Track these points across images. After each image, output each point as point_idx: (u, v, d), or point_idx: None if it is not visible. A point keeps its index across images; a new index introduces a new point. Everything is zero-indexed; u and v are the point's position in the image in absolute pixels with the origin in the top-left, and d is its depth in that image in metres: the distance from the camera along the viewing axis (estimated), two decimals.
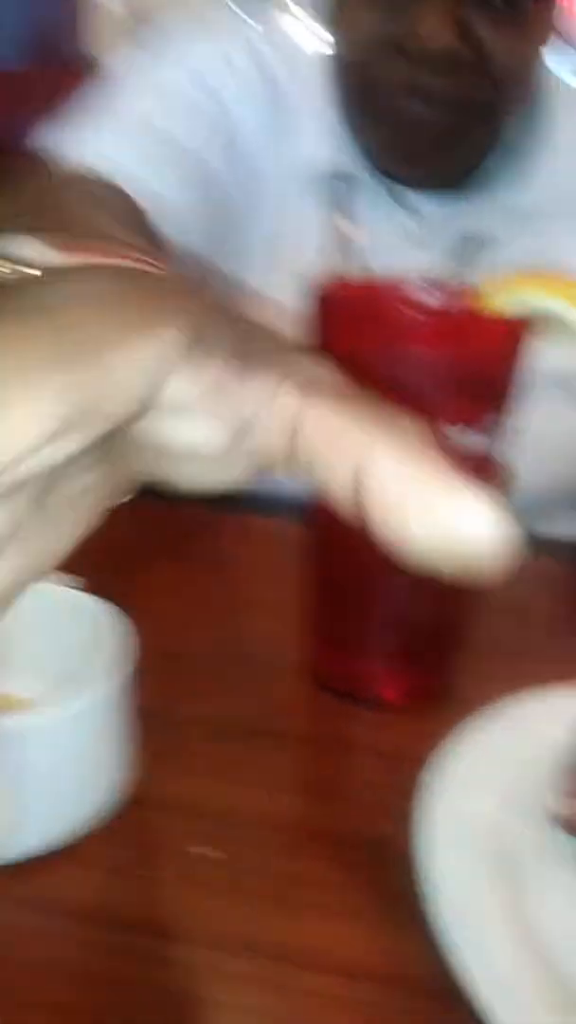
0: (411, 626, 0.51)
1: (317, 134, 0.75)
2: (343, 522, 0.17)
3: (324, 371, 0.18)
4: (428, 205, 0.75)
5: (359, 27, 0.67)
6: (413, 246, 0.74)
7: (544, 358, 0.44)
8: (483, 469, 0.47)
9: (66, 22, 2.70)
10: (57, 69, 1.65)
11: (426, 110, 0.67)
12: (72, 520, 0.19)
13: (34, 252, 0.20)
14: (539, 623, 0.60)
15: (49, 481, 0.17)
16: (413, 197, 0.74)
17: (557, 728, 0.45)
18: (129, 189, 0.64)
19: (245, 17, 0.85)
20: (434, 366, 0.44)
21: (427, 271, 0.49)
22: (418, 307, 0.46)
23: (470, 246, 0.76)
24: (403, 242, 0.74)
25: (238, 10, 0.94)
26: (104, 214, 0.56)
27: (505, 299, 0.42)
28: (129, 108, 0.73)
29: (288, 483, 0.19)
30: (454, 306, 0.46)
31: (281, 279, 0.52)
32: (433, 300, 0.46)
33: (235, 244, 0.76)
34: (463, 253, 0.76)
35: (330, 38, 0.72)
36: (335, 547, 0.48)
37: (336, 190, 0.73)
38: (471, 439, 0.45)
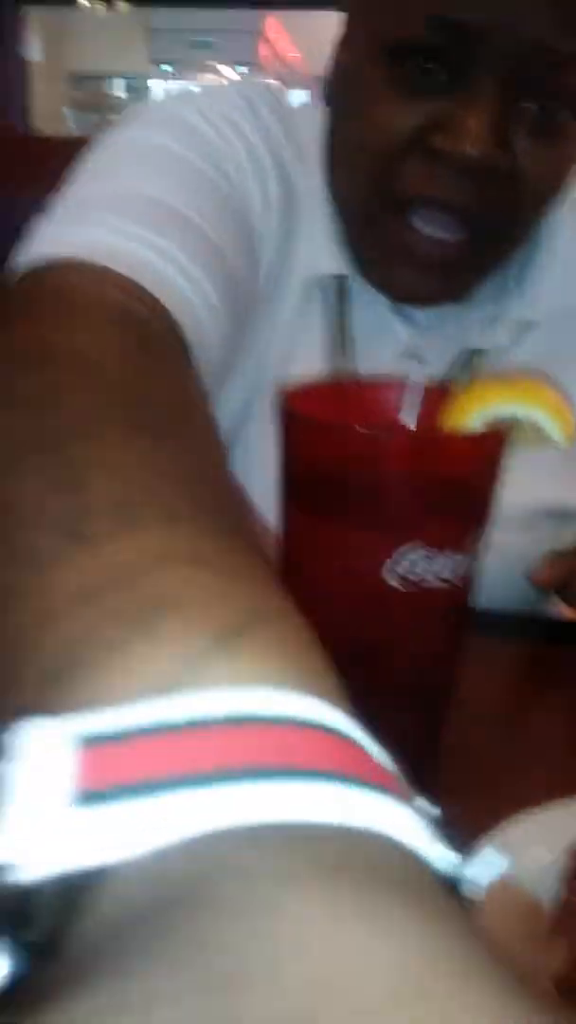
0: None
1: (321, 232, 0.69)
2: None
3: None
4: (426, 317, 0.74)
5: (386, 118, 0.60)
6: (409, 357, 0.72)
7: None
8: (465, 591, 0.45)
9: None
10: None
11: (443, 220, 0.61)
12: None
13: None
14: (526, 733, 0.58)
15: None
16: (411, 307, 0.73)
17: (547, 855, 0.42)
18: (150, 286, 0.48)
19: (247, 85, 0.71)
20: (411, 487, 0.42)
21: (403, 376, 0.47)
22: (390, 421, 0.45)
23: (470, 359, 0.74)
24: (399, 354, 0.73)
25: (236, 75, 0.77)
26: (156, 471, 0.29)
27: (477, 408, 0.42)
28: (126, 184, 0.57)
29: None
30: (428, 420, 0.45)
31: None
32: (406, 410, 0.45)
33: (254, 358, 0.70)
34: (462, 366, 0.74)
35: (342, 131, 0.65)
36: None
37: (333, 297, 0.70)
38: (456, 561, 0.44)
